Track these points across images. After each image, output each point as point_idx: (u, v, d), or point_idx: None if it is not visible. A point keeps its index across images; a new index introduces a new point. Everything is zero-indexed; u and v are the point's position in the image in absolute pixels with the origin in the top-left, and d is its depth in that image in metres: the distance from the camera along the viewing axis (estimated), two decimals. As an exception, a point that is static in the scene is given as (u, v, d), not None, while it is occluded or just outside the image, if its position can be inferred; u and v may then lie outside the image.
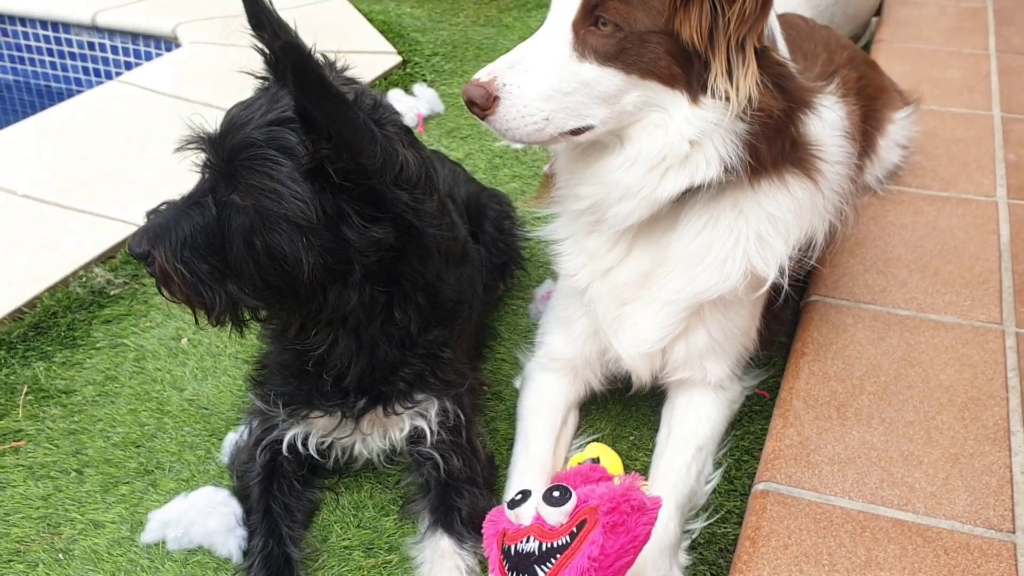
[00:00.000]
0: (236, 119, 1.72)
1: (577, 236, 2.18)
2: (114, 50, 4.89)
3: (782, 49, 2.02)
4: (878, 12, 4.85)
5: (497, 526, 1.74)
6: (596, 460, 2.08)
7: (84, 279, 2.82)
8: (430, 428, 2.01)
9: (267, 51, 1.77)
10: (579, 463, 2.07)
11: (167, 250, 1.73)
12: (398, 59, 4.49)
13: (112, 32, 4.85)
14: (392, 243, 1.76)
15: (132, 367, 2.52)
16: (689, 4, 1.76)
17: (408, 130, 1.85)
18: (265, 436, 2.05)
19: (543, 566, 1.61)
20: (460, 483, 2.02)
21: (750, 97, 1.82)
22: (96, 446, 2.26)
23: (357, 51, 4.49)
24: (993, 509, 1.93)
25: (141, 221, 1.82)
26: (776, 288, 2.09)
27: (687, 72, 1.83)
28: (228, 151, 1.69)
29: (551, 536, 1.63)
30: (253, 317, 1.87)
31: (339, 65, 1.86)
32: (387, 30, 4.84)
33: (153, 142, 3.60)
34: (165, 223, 1.75)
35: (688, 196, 1.95)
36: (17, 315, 2.67)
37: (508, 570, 1.65)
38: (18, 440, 2.28)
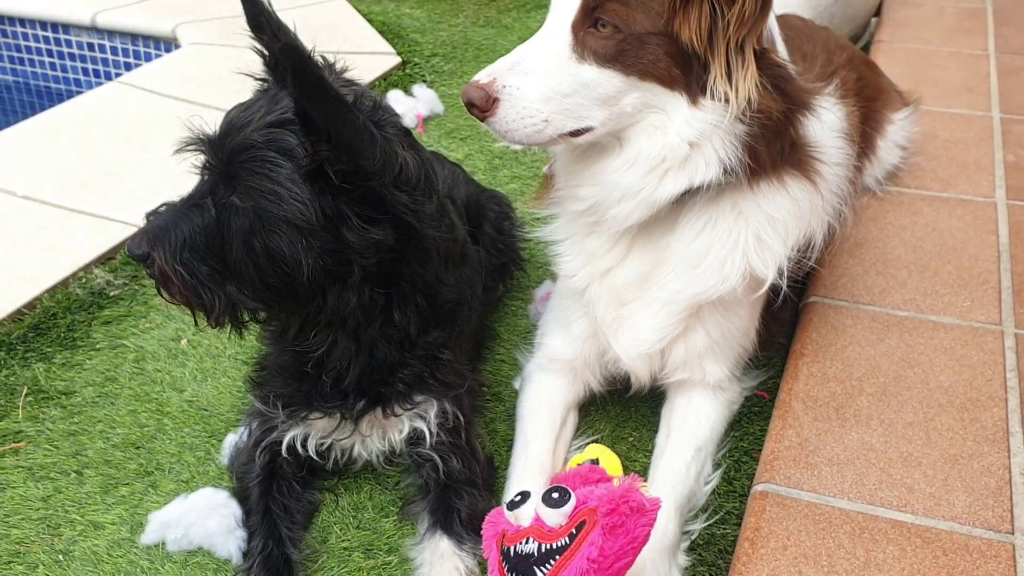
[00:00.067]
0: (235, 121, 1.72)
1: (576, 237, 2.18)
2: (114, 51, 4.90)
3: (781, 51, 2.02)
4: (877, 13, 4.85)
5: (496, 527, 1.74)
6: (595, 461, 2.08)
7: (84, 280, 2.83)
8: (429, 429, 2.01)
9: (267, 53, 1.77)
10: (578, 464, 2.07)
11: (166, 252, 1.73)
12: (397, 60, 4.49)
13: (112, 33, 4.85)
14: (391, 245, 1.76)
15: (132, 368, 2.52)
16: (688, 6, 1.76)
17: (407, 132, 1.85)
18: (264, 437, 2.06)
19: (542, 567, 1.61)
20: (459, 484, 2.02)
21: (749, 99, 1.82)
22: (96, 447, 2.26)
23: (356, 52, 4.49)
24: (992, 510, 1.93)
25: (141, 222, 1.82)
26: (775, 289, 2.09)
27: (686, 74, 1.83)
28: (228, 153, 1.69)
29: (550, 537, 1.63)
30: (252, 319, 1.87)
31: (338, 67, 1.86)
32: (386, 31, 4.84)
33: (153, 143, 3.61)
34: (164, 225, 1.75)
35: (687, 197, 1.95)
36: (17, 316, 2.67)
37: (507, 571, 1.65)
38: (18, 441, 2.28)
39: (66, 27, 4.93)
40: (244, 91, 1.86)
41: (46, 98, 5.00)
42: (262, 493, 2.03)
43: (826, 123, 2.15)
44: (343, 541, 2.04)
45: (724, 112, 1.83)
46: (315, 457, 2.06)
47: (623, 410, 2.39)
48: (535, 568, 1.61)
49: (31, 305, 2.71)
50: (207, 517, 2.00)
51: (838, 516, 1.91)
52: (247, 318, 1.85)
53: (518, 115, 1.84)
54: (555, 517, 1.64)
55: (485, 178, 3.44)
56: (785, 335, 2.55)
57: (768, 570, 1.80)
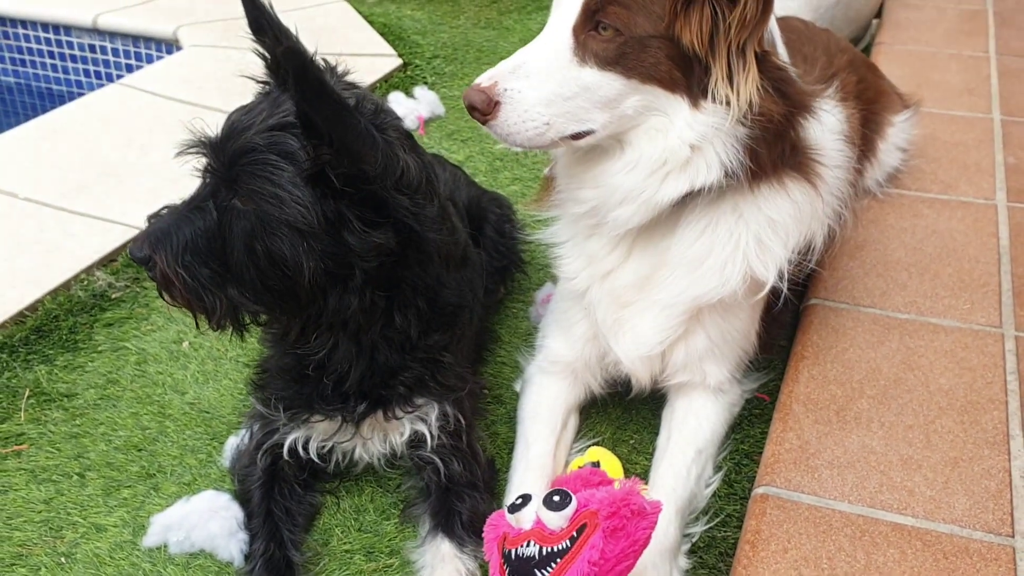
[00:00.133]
0: (237, 124, 1.72)
1: (577, 239, 2.18)
2: (115, 52, 4.90)
3: (782, 53, 2.03)
4: (878, 14, 4.85)
5: (497, 530, 1.74)
6: (596, 464, 2.08)
7: (85, 282, 2.83)
8: (430, 432, 2.01)
9: (268, 56, 1.78)
10: (579, 467, 2.07)
11: (168, 255, 1.73)
12: (399, 62, 4.49)
13: (113, 35, 4.86)
14: (393, 248, 1.76)
15: (133, 370, 2.53)
16: (690, 9, 1.76)
17: (409, 135, 1.85)
18: (266, 440, 2.06)
19: (543, 570, 1.62)
20: (461, 487, 2.02)
21: (751, 102, 1.82)
22: (98, 450, 2.27)
23: (358, 54, 4.50)
24: (992, 513, 1.93)
25: (142, 224, 1.83)
26: (775, 292, 2.09)
27: (688, 77, 1.84)
28: (229, 156, 1.69)
29: (551, 540, 1.63)
30: (254, 321, 1.87)
31: (340, 70, 1.86)
32: (387, 33, 4.85)
33: (154, 145, 3.61)
34: (166, 228, 1.75)
35: (688, 200, 1.95)
36: (19, 318, 2.67)
37: (509, 574, 1.65)
38: (20, 444, 2.29)
39: (67, 29, 4.93)
40: (245, 93, 1.86)
41: (47, 100, 5.01)
42: (264, 496, 2.03)
43: (827, 126, 2.15)
44: (344, 544, 2.04)
45: (725, 115, 1.83)
46: (316, 460, 2.07)
47: (624, 412, 2.40)
48: (536, 571, 1.62)
49: (33, 307, 2.72)
50: (209, 520, 2.00)
51: (839, 519, 1.92)
52: (248, 321, 1.85)
53: (519, 118, 1.84)
54: (556, 520, 1.64)
55: (486, 180, 3.44)
56: (786, 337, 2.55)
57: (769, 573, 1.80)
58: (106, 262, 2.94)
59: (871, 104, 2.94)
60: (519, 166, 3.58)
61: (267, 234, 1.68)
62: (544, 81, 1.83)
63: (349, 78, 1.87)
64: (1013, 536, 1.88)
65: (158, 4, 5.01)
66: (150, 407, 2.40)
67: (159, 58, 4.72)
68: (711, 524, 2.07)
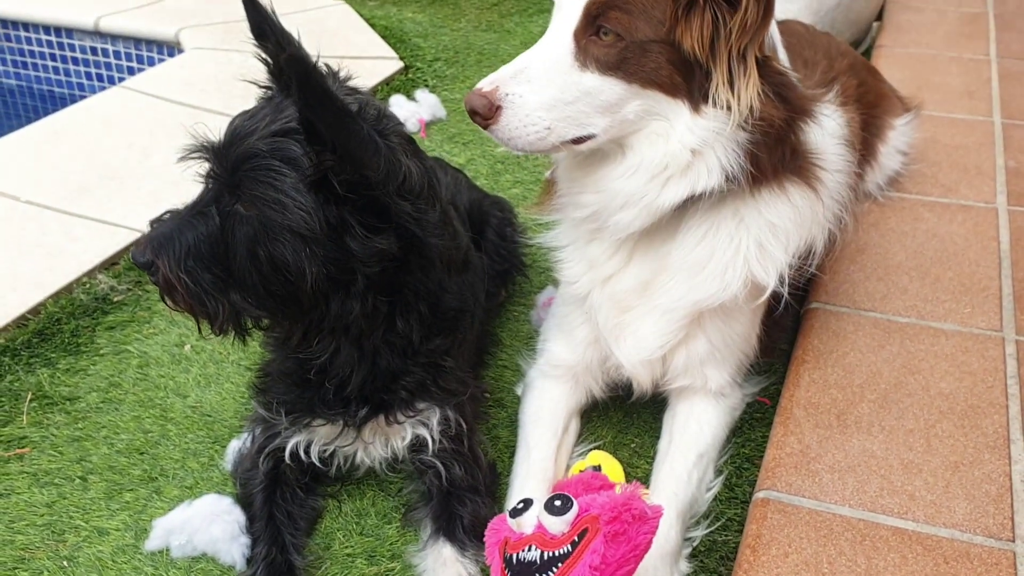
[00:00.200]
0: (240, 129, 1.73)
1: (578, 243, 2.19)
2: (117, 55, 4.91)
3: (783, 58, 2.03)
4: (879, 17, 4.86)
5: (499, 534, 1.75)
6: (597, 467, 2.09)
7: (88, 285, 2.83)
8: (432, 436, 2.02)
9: (271, 61, 1.78)
10: (580, 470, 2.08)
11: (171, 260, 1.74)
12: (400, 64, 4.50)
13: (115, 37, 4.86)
14: (395, 253, 1.76)
15: (135, 374, 2.53)
16: (690, 14, 1.77)
17: (411, 140, 1.85)
18: (268, 444, 2.06)
19: (545, 575, 1.62)
20: (462, 491, 2.03)
21: (751, 107, 1.82)
22: (100, 453, 2.27)
23: (359, 57, 4.51)
24: (993, 518, 1.93)
25: (144, 227, 1.83)
26: (776, 296, 2.10)
27: (688, 81, 1.84)
28: (232, 161, 1.70)
29: (553, 545, 1.64)
30: (256, 326, 1.87)
31: (342, 75, 1.87)
32: (389, 35, 4.85)
33: (156, 148, 3.62)
34: (169, 233, 1.76)
35: (689, 204, 1.95)
36: (21, 322, 2.68)
37: (510, 579, 1.66)
38: (22, 447, 2.29)
39: (69, 31, 4.94)
40: (247, 96, 1.87)
41: (49, 102, 5.02)
42: (266, 499, 2.04)
43: (827, 130, 2.16)
44: (346, 547, 2.05)
45: (726, 120, 1.84)
46: (318, 464, 2.07)
47: (625, 416, 2.40)
48: (538, 575, 1.62)
49: (35, 311, 2.72)
50: (211, 523, 2.00)
51: (839, 523, 1.92)
52: (250, 325, 1.86)
53: (521, 123, 1.85)
54: (558, 525, 1.65)
55: (487, 183, 3.45)
56: (786, 341, 2.56)
57: (770, 577, 1.81)
58: (108, 265, 2.95)
59: (872, 108, 2.94)
60: (520, 169, 3.59)
61: (270, 239, 1.68)
62: (545, 86, 1.83)
63: (351, 83, 1.87)
64: (1014, 540, 1.88)
65: (160, 6, 5.02)
66: (152, 410, 2.41)
67: (161, 61, 4.73)
68: (712, 528, 2.07)
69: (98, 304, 2.78)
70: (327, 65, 1.81)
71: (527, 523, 1.69)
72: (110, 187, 3.35)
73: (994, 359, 2.37)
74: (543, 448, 2.18)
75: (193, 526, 2.01)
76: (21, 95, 5.13)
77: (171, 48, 4.76)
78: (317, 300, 1.77)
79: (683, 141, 1.87)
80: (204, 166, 1.77)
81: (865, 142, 2.82)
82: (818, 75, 2.52)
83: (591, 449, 2.25)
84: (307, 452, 2.05)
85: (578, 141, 1.90)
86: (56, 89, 5.09)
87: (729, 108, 1.82)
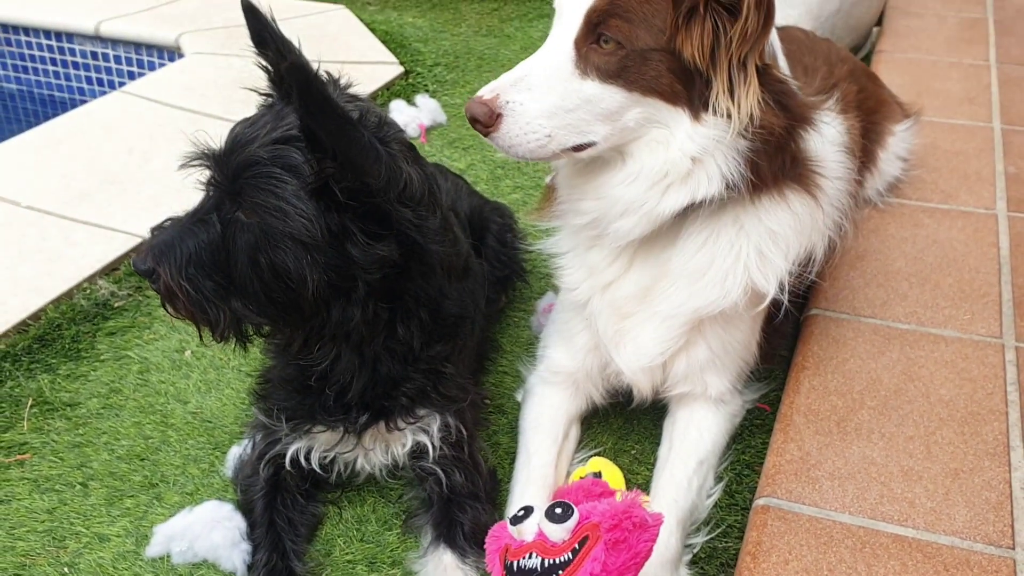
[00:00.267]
0: (241, 137, 1.73)
1: (578, 250, 2.19)
2: (117, 60, 4.92)
3: (783, 65, 2.04)
4: (879, 22, 4.86)
5: (500, 542, 1.75)
6: (598, 474, 2.10)
7: (88, 291, 2.84)
8: (432, 443, 2.02)
9: (272, 69, 1.78)
10: (581, 477, 2.09)
11: (172, 267, 1.74)
12: (400, 69, 4.50)
13: (115, 42, 4.87)
14: (396, 260, 1.77)
15: (136, 379, 2.54)
16: (691, 23, 1.77)
17: (412, 146, 1.86)
18: (268, 450, 2.07)
19: (545, 582, 1.62)
20: (462, 498, 2.03)
21: (752, 115, 1.83)
22: (101, 459, 2.27)
23: (359, 61, 4.51)
24: (993, 525, 1.94)
25: (145, 233, 1.83)
26: (776, 303, 2.10)
27: (689, 89, 1.85)
28: (233, 169, 1.70)
29: (553, 552, 1.64)
30: (257, 333, 1.88)
31: (343, 82, 1.87)
32: (389, 40, 4.86)
33: (156, 153, 3.62)
34: (170, 240, 1.76)
35: (689, 211, 1.95)
36: (22, 327, 2.68)
37: (510, 586, 1.66)
38: (23, 453, 2.29)
39: (70, 36, 4.95)
40: (248, 101, 1.87)
41: (50, 106, 5.02)
42: (266, 506, 2.04)
43: (827, 137, 2.16)
44: (347, 554, 2.05)
45: (726, 128, 1.84)
46: (318, 470, 2.07)
47: (625, 423, 2.40)
48: (538, 583, 1.62)
49: (36, 316, 2.72)
50: (212, 530, 2.00)
51: (839, 531, 1.92)
52: (251, 332, 1.86)
53: (521, 130, 1.85)
54: (558, 532, 1.65)
55: (488, 188, 3.45)
56: (787, 347, 2.56)
57: (770, 584, 1.81)
58: (108, 271, 2.95)
59: (871, 114, 2.94)
60: (520, 174, 3.59)
61: (271, 247, 1.68)
62: (546, 93, 1.84)
63: (352, 90, 1.88)
64: (1014, 548, 1.89)
65: (160, 11, 5.03)
66: (153, 416, 2.41)
67: (161, 65, 4.73)
68: (712, 535, 2.08)
69: (99, 309, 2.78)
70: (328, 72, 1.81)
71: (528, 530, 1.69)
72: (110, 192, 3.35)
73: (994, 366, 2.38)
74: (543, 455, 2.18)
75: (194, 532, 2.01)
76: (21, 99, 5.14)
77: (172, 53, 4.77)
78: (318, 307, 1.77)
79: (683, 149, 1.87)
80: (205, 173, 1.77)
81: (865, 148, 2.82)
82: (818, 81, 2.53)
83: (591, 455, 2.26)
84: (308, 458, 2.05)
85: (579, 149, 1.90)
86: (56, 94, 5.10)
87: (729, 116, 1.83)
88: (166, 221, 1.81)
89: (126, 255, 2.98)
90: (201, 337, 1.83)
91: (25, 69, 5.12)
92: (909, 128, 3.24)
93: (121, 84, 4.63)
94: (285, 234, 1.67)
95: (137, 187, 3.39)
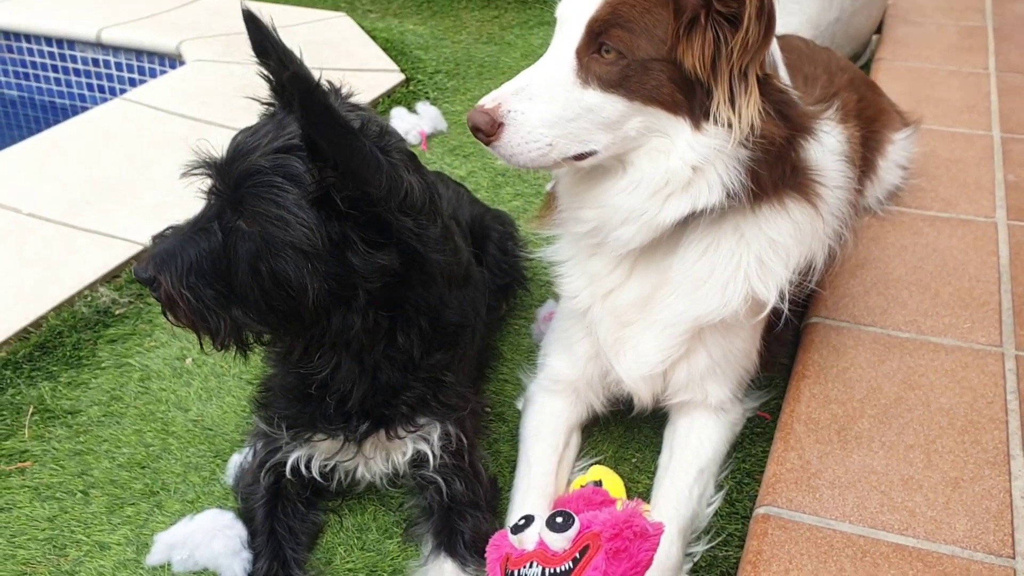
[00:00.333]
0: (242, 146, 1.73)
1: (579, 258, 2.19)
2: (118, 67, 4.92)
3: (783, 75, 2.04)
4: (878, 30, 4.87)
5: (500, 550, 1.75)
6: (598, 482, 2.10)
7: (89, 298, 2.84)
8: (432, 452, 2.02)
9: (273, 78, 1.79)
10: (581, 486, 2.09)
11: (173, 276, 1.74)
12: (401, 77, 4.51)
13: (117, 49, 4.88)
14: (396, 269, 1.77)
15: (137, 387, 2.54)
16: (692, 33, 1.78)
17: (413, 155, 1.86)
18: (269, 458, 2.07)
19: (546, 591, 1.63)
20: (463, 507, 2.03)
21: (752, 124, 1.83)
22: (102, 467, 2.27)
23: (360, 69, 4.52)
24: (993, 534, 1.94)
25: (146, 240, 1.84)
26: (776, 312, 2.10)
27: (690, 99, 1.85)
28: (235, 178, 1.70)
29: (554, 562, 1.64)
30: (257, 341, 1.88)
31: (344, 91, 1.87)
32: (390, 48, 4.87)
33: (157, 160, 3.62)
34: (171, 249, 1.76)
35: (689, 220, 1.96)
36: (23, 335, 2.68)
37: (511, 595, 1.66)
38: (24, 461, 2.29)
39: (71, 43, 4.96)
40: (249, 108, 1.87)
41: (51, 113, 5.04)
42: (267, 514, 2.04)
43: (827, 146, 2.17)
44: (347, 563, 2.05)
45: (727, 137, 1.84)
46: (319, 478, 2.07)
47: (626, 431, 2.40)
48: (539, 592, 1.63)
49: (37, 324, 2.73)
50: (213, 538, 2.00)
51: (840, 539, 1.92)
52: (252, 340, 1.86)
53: (523, 139, 1.86)
54: (559, 541, 1.65)
55: (488, 195, 3.46)
56: (787, 355, 2.56)
57: (770, 594, 1.81)
58: (110, 278, 2.95)
59: (871, 123, 2.95)
60: (521, 182, 3.59)
61: (272, 256, 1.69)
62: (547, 103, 1.84)
63: (353, 99, 1.88)
64: (1014, 557, 1.89)
65: (161, 19, 5.04)
66: (153, 424, 2.41)
67: (162, 72, 4.74)
68: (713, 543, 2.07)
69: (100, 317, 2.78)
70: (329, 82, 1.82)
71: (528, 539, 1.69)
72: (111, 199, 3.35)
73: (994, 374, 2.38)
74: (544, 463, 2.18)
75: (195, 541, 2.01)
76: (23, 106, 5.15)
77: (172, 60, 4.78)
78: (319, 315, 1.78)
79: (684, 158, 1.88)
80: (207, 182, 1.77)
81: (865, 157, 2.82)
82: (818, 91, 2.53)
83: (592, 464, 2.26)
84: (308, 467, 2.05)
85: (580, 157, 1.90)
86: (58, 100, 5.10)
87: (730, 126, 1.83)
88: (167, 229, 1.81)
89: (127, 262, 2.99)
90: (202, 345, 1.83)
91: (27, 76, 5.13)
92: (909, 136, 3.24)
93: (122, 91, 4.64)
94: (286, 243, 1.67)
95: (138, 194, 3.39)
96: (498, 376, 2.61)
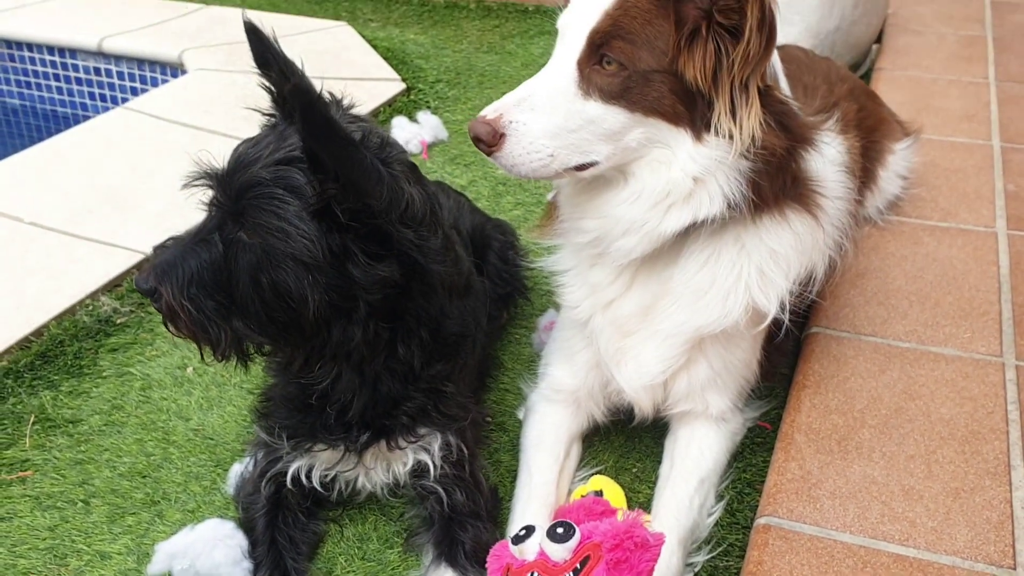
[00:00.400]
0: (244, 157, 1.74)
1: (580, 268, 2.20)
2: (120, 76, 4.94)
3: (784, 86, 2.04)
4: (878, 40, 4.88)
5: (501, 561, 1.75)
6: (599, 493, 2.10)
7: (91, 307, 2.84)
8: (433, 462, 2.02)
9: (274, 90, 1.79)
10: (582, 495, 2.09)
11: (174, 287, 1.74)
12: (402, 86, 4.52)
13: (118, 58, 4.90)
14: (397, 280, 1.77)
15: (138, 396, 2.54)
16: (693, 45, 1.78)
17: (414, 166, 1.86)
18: (270, 468, 2.07)
19: (547, 602, 1.63)
20: (464, 517, 2.03)
21: (753, 136, 1.84)
22: (103, 476, 2.28)
23: (361, 78, 4.53)
24: (994, 544, 1.93)
25: (147, 249, 1.84)
26: (777, 322, 2.10)
27: (691, 111, 1.86)
28: (236, 189, 1.71)
29: (555, 572, 1.65)
30: (258, 352, 1.88)
31: (346, 103, 1.88)
32: (391, 57, 4.88)
33: (159, 169, 3.63)
34: (172, 259, 1.76)
35: (690, 230, 1.96)
36: (24, 344, 2.69)
37: (512, 606, 1.66)
38: (25, 470, 2.29)
39: (73, 52, 4.98)
40: (251, 117, 1.88)
41: (52, 122, 5.05)
42: (268, 524, 2.04)
43: (827, 157, 2.17)
44: (348, 572, 2.05)
45: (728, 148, 1.85)
46: (320, 488, 2.07)
47: (627, 441, 2.40)
48: (539, 603, 1.63)
49: (38, 333, 2.73)
50: (213, 548, 2.00)
51: (840, 550, 1.92)
52: (252, 351, 1.87)
53: (524, 150, 1.86)
54: (560, 552, 1.66)
55: (489, 204, 3.46)
56: (787, 365, 2.56)
57: (771, 604, 1.81)
58: (111, 287, 2.96)
59: (871, 133, 2.96)
60: (522, 191, 3.60)
61: (272, 267, 1.69)
62: (549, 114, 1.85)
63: (354, 110, 1.89)
64: (1015, 568, 1.88)
65: (163, 28, 5.06)
66: (154, 433, 2.41)
67: (164, 81, 4.76)
68: (714, 553, 2.07)
69: (101, 326, 2.78)
70: (330, 93, 1.82)
71: (529, 550, 1.70)
72: (113, 208, 3.36)
73: (994, 384, 2.38)
74: (545, 473, 2.18)
75: (196, 550, 2.00)
76: (24, 115, 5.16)
77: (174, 69, 4.79)
78: (319, 327, 1.78)
79: (685, 169, 1.88)
80: (208, 193, 1.78)
81: (865, 167, 2.83)
82: (818, 101, 2.54)
83: (593, 474, 2.26)
84: (309, 477, 2.05)
85: (581, 168, 1.91)
86: (59, 109, 5.12)
87: (731, 137, 1.84)
88: (168, 240, 1.82)
89: (128, 271, 2.99)
90: (202, 355, 1.83)
91: (28, 85, 5.14)
92: (909, 146, 3.25)
93: (124, 100, 4.65)
94: (287, 255, 1.68)
95: (140, 203, 3.40)
96: (499, 386, 2.61)
